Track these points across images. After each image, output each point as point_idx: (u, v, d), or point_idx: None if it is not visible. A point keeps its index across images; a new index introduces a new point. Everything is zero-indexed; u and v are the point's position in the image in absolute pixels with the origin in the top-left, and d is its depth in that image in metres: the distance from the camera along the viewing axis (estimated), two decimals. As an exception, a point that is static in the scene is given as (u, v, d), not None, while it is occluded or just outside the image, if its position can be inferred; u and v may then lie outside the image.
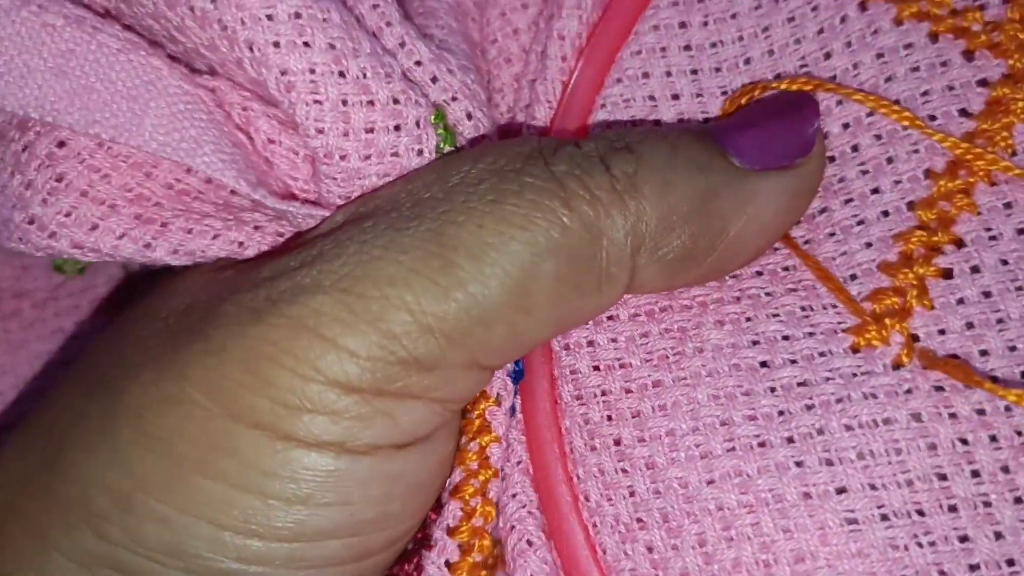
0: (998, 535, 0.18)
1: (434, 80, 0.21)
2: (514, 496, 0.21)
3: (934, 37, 0.21)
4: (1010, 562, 0.18)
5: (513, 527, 0.21)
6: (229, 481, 0.17)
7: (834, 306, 0.20)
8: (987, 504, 0.18)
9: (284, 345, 0.17)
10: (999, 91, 0.20)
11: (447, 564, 0.20)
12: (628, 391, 0.21)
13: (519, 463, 0.21)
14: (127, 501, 0.18)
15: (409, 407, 0.18)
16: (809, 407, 0.20)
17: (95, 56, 0.19)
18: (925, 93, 0.21)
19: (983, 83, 0.21)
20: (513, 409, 0.22)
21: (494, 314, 0.18)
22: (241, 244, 0.21)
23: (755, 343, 0.20)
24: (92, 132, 0.19)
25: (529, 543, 0.20)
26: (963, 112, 0.21)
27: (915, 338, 0.19)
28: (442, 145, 0.21)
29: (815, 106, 0.20)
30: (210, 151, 0.20)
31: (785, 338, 0.20)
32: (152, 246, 0.20)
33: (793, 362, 0.20)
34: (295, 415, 0.17)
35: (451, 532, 0.20)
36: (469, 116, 0.22)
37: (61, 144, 0.20)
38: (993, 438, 0.18)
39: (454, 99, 0.22)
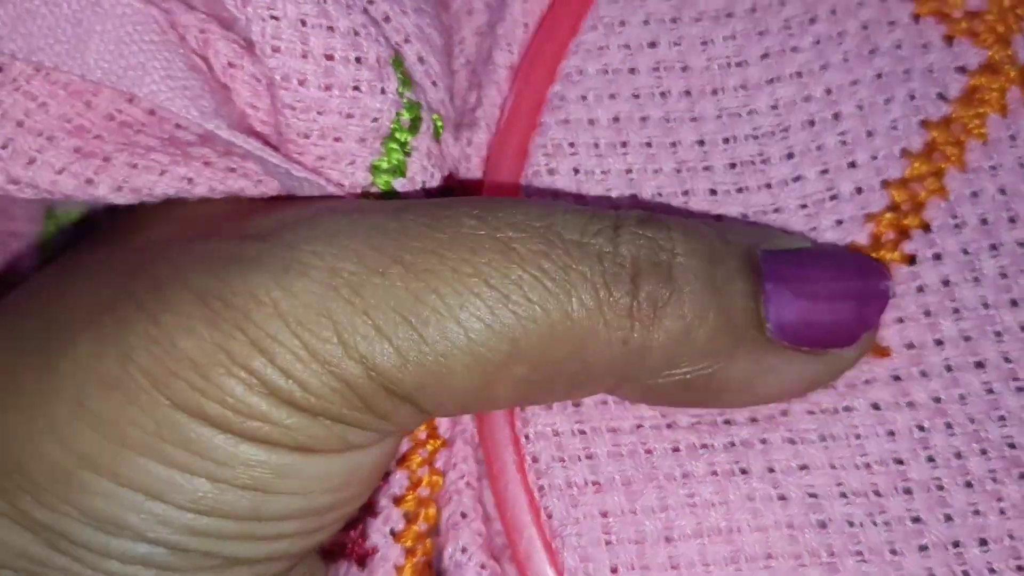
0: (948, 517, 0.18)
1: (387, 20, 0.20)
2: (454, 466, 0.20)
3: (916, 18, 0.21)
4: (955, 544, 0.18)
5: (450, 498, 0.20)
6: (179, 466, 0.16)
7: None
8: (940, 488, 0.19)
9: (239, 360, 0.16)
10: (977, 80, 0.21)
11: (392, 532, 0.19)
12: None
13: (462, 431, 0.20)
14: (69, 476, 0.16)
15: (360, 432, 0.17)
16: None
17: None
18: (906, 71, 0.21)
19: (961, 69, 0.21)
20: None
21: (449, 398, 0.17)
22: (190, 181, 0.19)
23: None
24: (34, 60, 0.18)
25: (463, 515, 0.20)
26: (941, 96, 0.21)
27: None
28: (400, 89, 0.20)
29: (884, 303, 0.18)
30: (158, 78, 0.18)
31: None
32: (94, 182, 0.19)
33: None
34: (246, 420, 0.16)
35: (397, 501, 0.20)
36: (421, 60, 0.21)
37: None
38: (948, 425, 0.19)
39: (406, 41, 0.20)
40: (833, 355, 0.18)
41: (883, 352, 0.19)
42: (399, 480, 0.20)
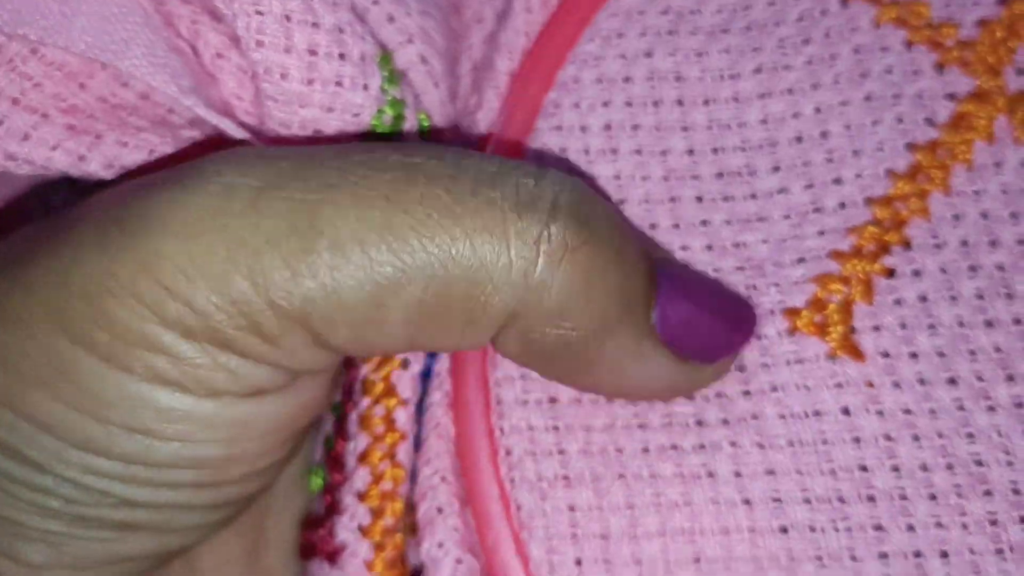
0: (910, 527, 0.19)
1: (391, 20, 0.21)
2: (428, 462, 0.20)
3: (909, 45, 0.22)
4: (916, 553, 0.18)
5: (426, 494, 0.20)
6: (71, 404, 0.17)
7: (776, 285, 0.20)
8: (904, 498, 0.19)
9: (123, 282, 0.16)
10: (965, 107, 0.21)
11: (360, 528, 0.19)
12: None
13: (436, 426, 0.21)
14: None
15: (251, 365, 0.17)
16: (746, 392, 0.20)
17: None
18: (896, 96, 0.21)
19: (951, 97, 0.21)
20: (428, 372, 0.21)
21: (339, 315, 0.16)
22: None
23: None
24: (20, 32, 0.19)
25: (439, 510, 0.20)
26: (928, 121, 0.21)
27: (852, 329, 0.20)
28: (385, 86, 0.20)
29: (747, 336, 0.19)
30: (140, 54, 0.19)
31: None
32: (86, 158, 0.20)
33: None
34: (134, 351, 0.16)
35: (361, 497, 0.20)
36: (423, 60, 0.21)
37: None
38: (915, 437, 0.19)
39: (409, 41, 0.21)
40: (694, 367, 0.18)
41: (859, 355, 0.19)
42: (362, 476, 0.20)
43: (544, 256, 0.16)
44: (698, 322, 0.18)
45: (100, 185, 0.23)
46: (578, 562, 0.19)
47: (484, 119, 0.22)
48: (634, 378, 0.18)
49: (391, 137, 0.21)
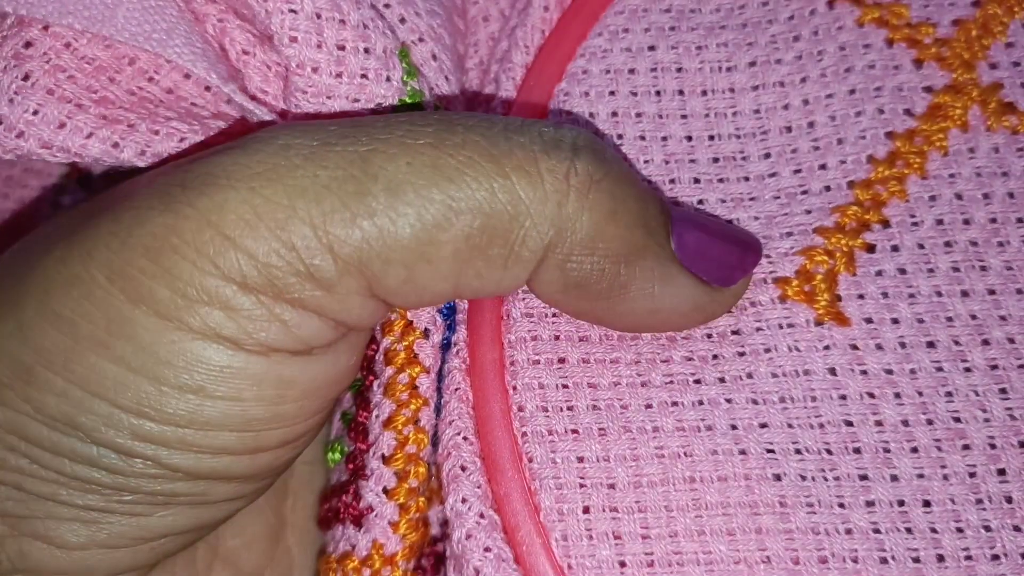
0: (894, 478, 0.20)
1: (402, 21, 0.22)
2: (451, 423, 0.21)
3: (890, 43, 0.24)
4: (900, 503, 0.20)
5: (449, 454, 0.21)
6: (125, 364, 0.17)
7: (767, 256, 0.22)
8: (887, 451, 0.20)
9: (187, 237, 0.17)
10: (941, 98, 0.23)
11: (385, 491, 0.20)
12: None
13: (456, 390, 0.22)
14: (28, 373, 0.17)
15: (304, 317, 0.18)
16: (740, 354, 0.21)
17: None
18: (878, 88, 0.23)
19: (928, 89, 0.23)
20: (448, 344, 0.22)
21: (395, 254, 0.18)
22: (207, 147, 0.21)
23: None
24: (65, 23, 0.19)
25: (463, 468, 0.21)
26: (907, 111, 0.23)
27: (837, 297, 0.21)
28: (405, 79, 0.22)
29: (757, 257, 0.21)
30: (181, 43, 0.20)
31: None
32: (120, 146, 0.20)
33: (727, 312, 0.22)
34: (192, 306, 0.17)
35: (386, 460, 0.21)
36: (434, 57, 0.23)
37: (28, 44, 0.20)
38: (897, 395, 0.21)
39: (420, 40, 0.23)
40: (715, 289, 0.20)
41: (844, 321, 0.21)
42: (387, 440, 0.21)
43: (574, 189, 0.18)
44: (711, 246, 0.20)
45: (115, 181, 0.24)
46: (586, 510, 0.20)
47: (500, 107, 0.24)
48: (664, 300, 0.20)
49: None
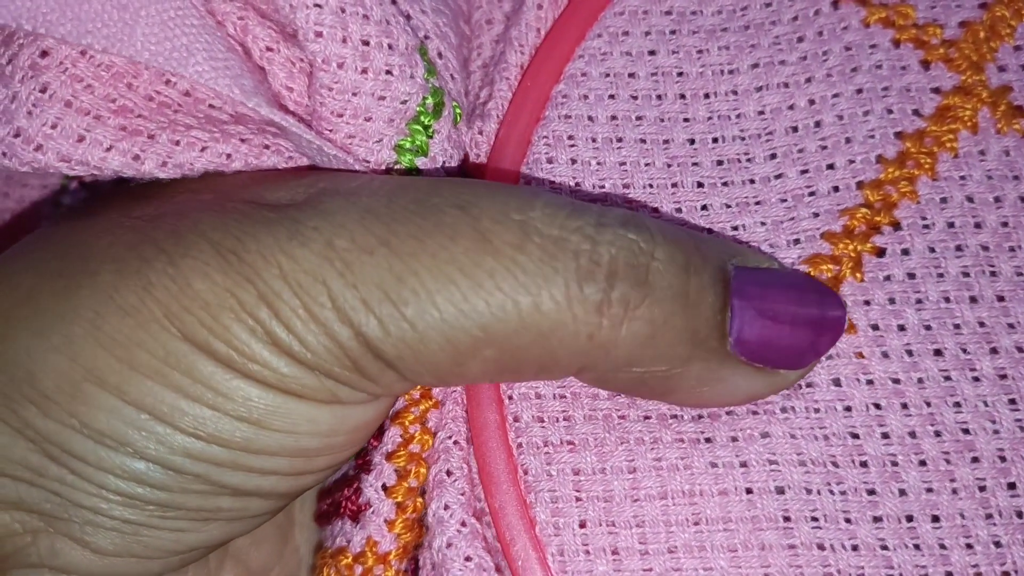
0: (902, 492, 0.19)
1: (408, 18, 0.22)
2: (444, 426, 0.21)
3: (896, 43, 0.23)
4: (908, 518, 0.19)
5: (438, 457, 0.21)
6: (183, 392, 0.18)
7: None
8: (894, 464, 0.20)
9: (246, 307, 0.17)
10: (950, 100, 0.22)
11: (384, 487, 0.20)
12: None
13: (453, 393, 0.21)
14: (76, 388, 0.17)
15: (347, 389, 0.18)
16: None
17: None
18: (885, 88, 0.22)
19: (936, 90, 0.22)
20: None
21: (425, 371, 0.18)
22: (228, 156, 0.21)
23: None
24: (84, 43, 0.19)
25: (448, 473, 0.21)
26: (916, 112, 0.22)
27: None
28: (427, 76, 0.21)
29: (835, 335, 0.19)
30: (202, 59, 0.20)
31: None
32: (140, 158, 0.20)
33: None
34: (248, 363, 0.18)
35: (389, 457, 0.20)
36: (440, 55, 0.22)
37: (44, 54, 0.20)
38: (904, 405, 0.20)
39: (426, 38, 0.22)
40: (779, 374, 0.19)
41: (849, 328, 0.20)
42: (392, 436, 0.21)
43: (607, 320, 0.17)
44: (779, 336, 0.18)
45: (119, 182, 0.24)
46: (582, 524, 0.20)
47: (496, 108, 0.23)
48: (716, 395, 0.19)
49: (459, 174, 0.22)
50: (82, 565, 0.18)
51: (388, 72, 0.20)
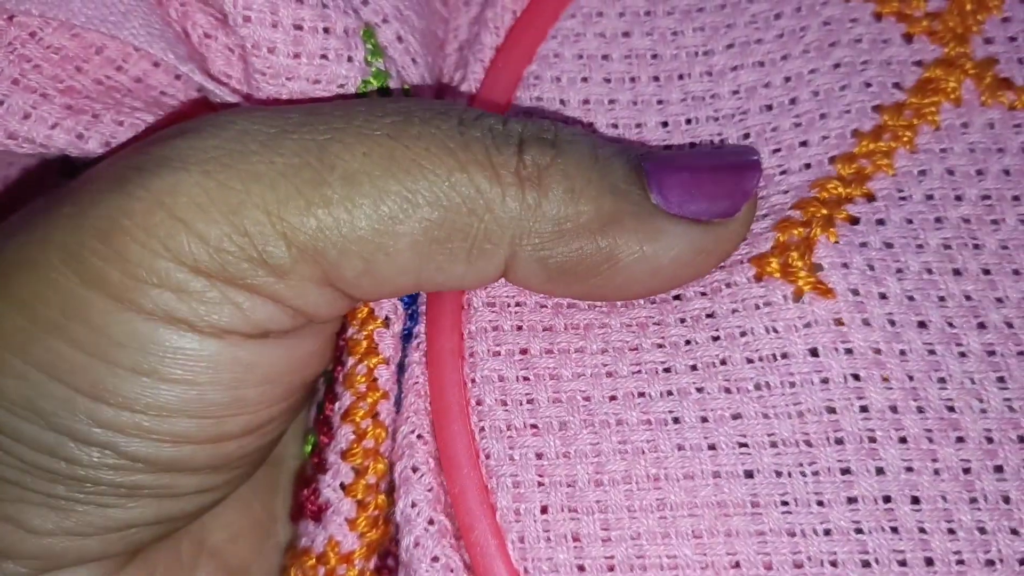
0: (879, 471, 0.18)
1: (365, 2, 0.22)
2: (406, 420, 0.21)
3: (878, 17, 0.22)
4: (886, 499, 0.18)
5: (403, 453, 0.20)
6: (80, 347, 0.17)
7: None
8: (872, 440, 0.18)
9: (138, 219, 0.17)
10: (932, 72, 0.21)
11: (342, 486, 0.20)
12: (543, 305, 0.21)
13: (415, 384, 0.21)
14: None
15: (258, 302, 0.18)
16: (715, 338, 0.20)
17: None
18: (864, 62, 0.22)
19: (918, 63, 0.22)
20: (409, 334, 0.21)
21: (351, 244, 0.17)
22: None
23: None
24: (23, 8, 0.19)
25: (414, 469, 0.20)
26: (896, 85, 0.21)
27: (819, 267, 0.20)
28: (369, 59, 0.21)
29: (758, 174, 0.19)
30: (138, 25, 0.20)
31: None
32: (84, 137, 0.20)
33: (703, 294, 0.20)
34: (143, 288, 0.17)
35: (344, 455, 0.20)
36: (400, 39, 0.22)
37: None
38: (885, 378, 0.19)
39: (384, 21, 0.22)
40: (719, 225, 0.19)
41: (827, 292, 0.19)
42: (344, 434, 0.20)
43: (526, 181, 0.18)
44: (699, 183, 0.18)
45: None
46: (544, 510, 0.19)
47: (468, 89, 0.23)
48: (660, 257, 0.18)
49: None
50: (20, 546, 0.18)
51: (323, 56, 0.21)
